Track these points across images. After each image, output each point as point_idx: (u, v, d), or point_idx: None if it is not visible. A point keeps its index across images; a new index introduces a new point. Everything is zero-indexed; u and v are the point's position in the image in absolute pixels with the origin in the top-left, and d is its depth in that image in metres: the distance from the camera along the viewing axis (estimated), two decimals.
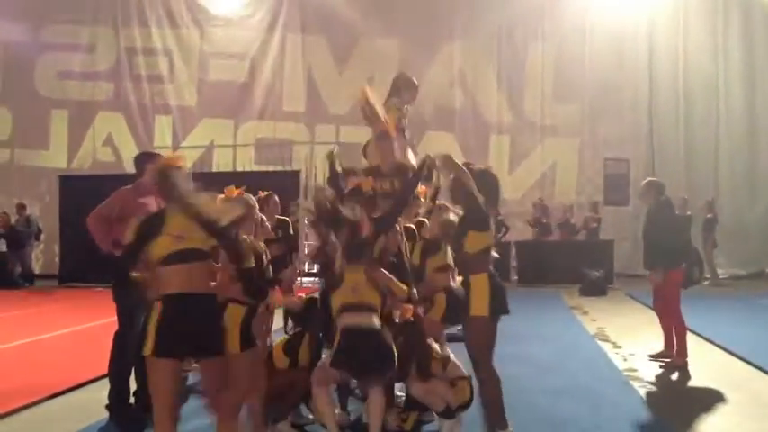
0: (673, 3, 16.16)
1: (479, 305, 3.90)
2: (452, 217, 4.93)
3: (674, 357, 6.79)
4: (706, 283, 13.51)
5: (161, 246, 3.36)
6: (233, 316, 3.79)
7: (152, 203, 5.07)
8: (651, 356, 7.04)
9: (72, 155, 17.78)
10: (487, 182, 4.07)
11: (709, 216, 14.11)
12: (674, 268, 6.67)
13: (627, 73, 16.29)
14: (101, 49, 17.91)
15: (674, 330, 6.76)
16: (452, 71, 16.76)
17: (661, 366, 6.71)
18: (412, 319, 4.35)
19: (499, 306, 3.95)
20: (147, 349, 3.26)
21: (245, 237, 4.00)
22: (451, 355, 4.66)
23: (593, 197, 16.02)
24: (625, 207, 15.70)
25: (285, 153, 16.90)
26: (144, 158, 5.22)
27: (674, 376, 6.45)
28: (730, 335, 8.05)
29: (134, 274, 3.45)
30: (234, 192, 4.15)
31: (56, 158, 17.85)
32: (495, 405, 3.99)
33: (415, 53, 16.45)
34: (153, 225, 3.43)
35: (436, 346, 4.63)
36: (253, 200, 4.24)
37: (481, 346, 3.93)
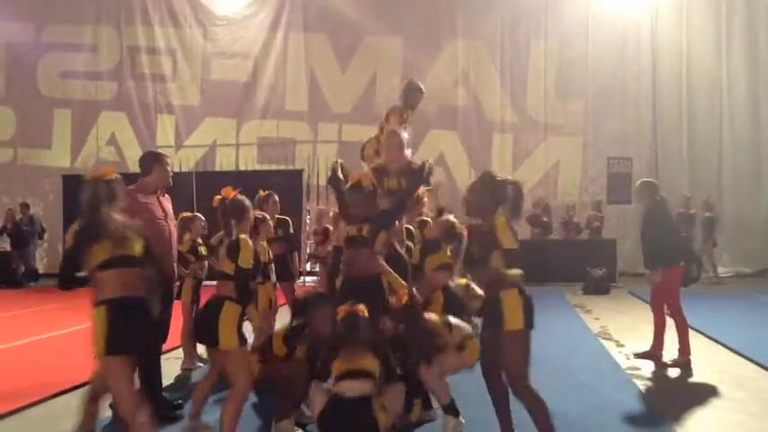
0: None
1: (514, 319, 3.80)
2: (452, 218, 4.98)
3: (659, 356, 6.79)
4: (707, 281, 13.51)
5: (101, 251, 3.55)
6: (230, 314, 3.99)
7: (155, 203, 5.09)
8: (636, 355, 7.03)
9: (75, 154, 17.81)
10: (514, 196, 3.97)
11: (708, 215, 14.09)
12: (671, 267, 6.69)
13: (630, 71, 16.24)
14: (104, 49, 17.93)
15: (677, 328, 6.74)
16: (455, 70, 16.74)
17: (665, 364, 6.71)
18: (409, 303, 4.40)
19: (530, 320, 3.88)
20: (99, 352, 3.49)
21: (243, 237, 4.15)
22: (452, 319, 4.67)
23: (597, 196, 16.00)
24: (628, 205, 15.66)
25: (288, 152, 16.91)
26: (150, 158, 5.23)
27: (677, 375, 6.44)
28: (734, 333, 8.03)
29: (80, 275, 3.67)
30: (231, 193, 4.27)
31: (59, 158, 17.89)
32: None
33: (418, 52, 16.45)
34: (92, 231, 3.60)
35: (434, 316, 4.64)
36: (247, 202, 4.34)
37: (519, 359, 3.82)
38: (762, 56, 15.90)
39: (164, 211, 5.16)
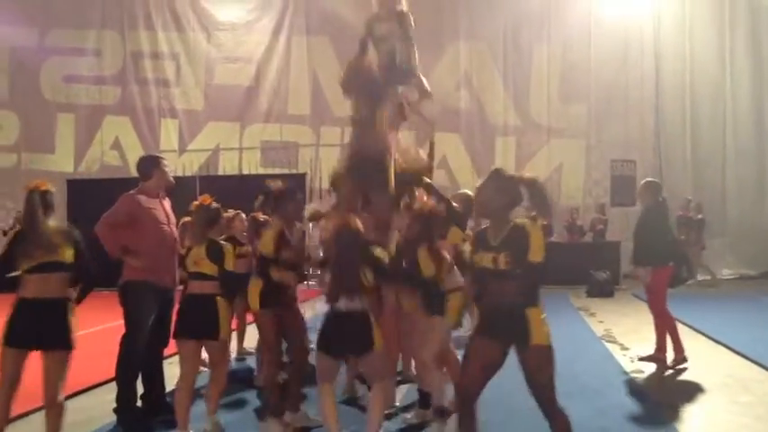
0: (679, 4, 16.10)
1: (543, 334, 3.61)
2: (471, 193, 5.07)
3: (663, 359, 6.81)
4: (705, 284, 13.46)
5: (32, 256, 3.90)
6: (225, 308, 4.49)
7: (158, 207, 5.09)
8: (641, 358, 7.04)
9: (78, 159, 17.86)
10: (534, 194, 3.63)
11: (699, 217, 14.05)
12: (660, 266, 6.72)
13: (632, 74, 16.22)
14: (107, 54, 17.99)
15: (666, 328, 6.78)
16: (458, 72, 16.73)
17: (668, 367, 6.70)
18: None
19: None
20: (2, 340, 3.89)
21: (225, 243, 4.65)
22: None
23: (600, 198, 15.96)
24: (632, 208, 15.59)
25: (291, 155, 16.94)
26: (149, 162, 5.23)
27: (682, 377, 6.43)
28: (738, 336, 8.01)
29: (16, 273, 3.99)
30: (208, 200, 4.70)
31: (62, 162, 17.93)
32: None
33: (421, 54, 16.32)
34: (26, 239, 3.95)
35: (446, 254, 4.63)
36: (219, 210, 4.80)
37: (552, 375, 3.66)
38: (765, 64, 15.88)
39: (166, 215, 5.17)
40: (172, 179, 5.25)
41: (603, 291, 12.55)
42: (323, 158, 16.11)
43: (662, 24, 16.16)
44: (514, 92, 16.72)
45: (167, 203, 5.27)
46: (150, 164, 5.18)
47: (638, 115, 16.21)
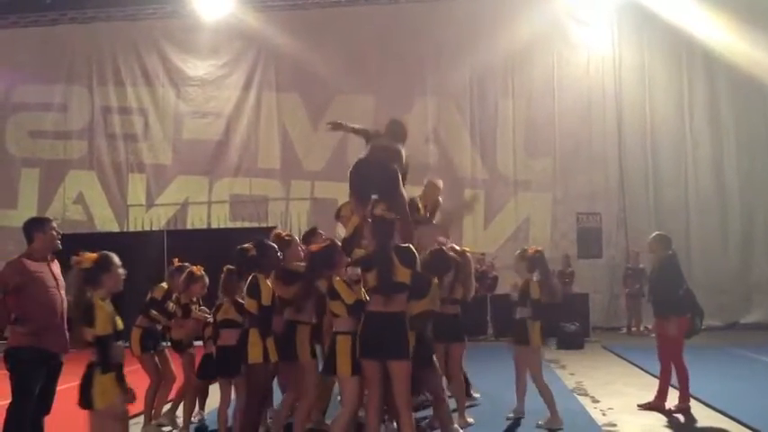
0: (639, 60, 16.62)
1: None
2: None
3: (662, 406, 6.97)
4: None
5: None
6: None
7: (46, 271, 4.95)
8: (640, 406, 7.12)
9: (41, 213, 17.49)
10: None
11: (641, 266, 14.28)
12: (681, 317, 7.01)
13: (596, 128, 16.55)
14: (74, 108, 17.89)
15: (677, 376, 6.99)
16: (426, 127, 16.94)
17: (669, 411, 6.85)
18: None
19: None
20: None
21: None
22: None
23: (567, 251, 16.07)
24: (599, 260, 15.78)
25: (260, 209, 16.85)
26: (31, 226, 5.14)
27: (654, 431, 6.39)
28: (708, 388, 7.99)
29: None
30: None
31: (24, 218, 17.47)
32: None
33: (390, 110, 16.51)
34: None
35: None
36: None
37: None
38: (723, 112, 16.29)
39: (54, 278, 5.03)
40: (58, 243, 5.13)
41: (573, 343, 12.53)
42: (292, 212, 16.09)
43: (623, 79, 16.61)
44: (481, 146, 16.96)
45: (56, 266, 5.12)
46: (32, 227, 5.09)
47: (602, 168, 16.49)
